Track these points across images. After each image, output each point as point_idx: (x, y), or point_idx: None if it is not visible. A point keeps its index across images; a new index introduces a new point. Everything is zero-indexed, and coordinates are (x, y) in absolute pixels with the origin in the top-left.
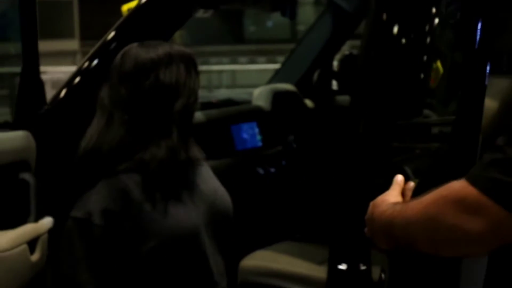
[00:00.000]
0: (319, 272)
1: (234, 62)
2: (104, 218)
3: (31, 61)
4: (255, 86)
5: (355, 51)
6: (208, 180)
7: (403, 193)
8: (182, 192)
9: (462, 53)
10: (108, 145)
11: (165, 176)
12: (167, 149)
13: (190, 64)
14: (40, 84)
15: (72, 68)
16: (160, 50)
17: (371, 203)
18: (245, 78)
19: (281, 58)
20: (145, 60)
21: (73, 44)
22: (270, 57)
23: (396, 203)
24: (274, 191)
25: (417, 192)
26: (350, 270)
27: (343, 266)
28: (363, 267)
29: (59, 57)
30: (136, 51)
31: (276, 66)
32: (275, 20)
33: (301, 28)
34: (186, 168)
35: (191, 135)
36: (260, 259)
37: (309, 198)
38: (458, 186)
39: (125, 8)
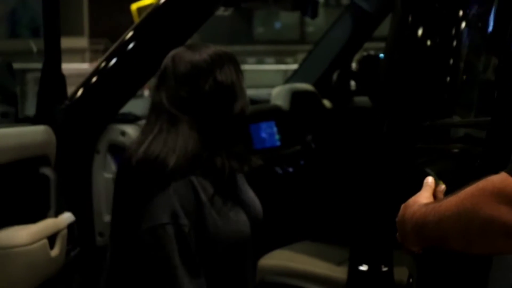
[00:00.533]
0: (338, 272)
1: (243, 62)
2: (187, 217)
3: (53, 56)
4: (266, 86)
5: (373, 52)
6: (246, 187)
7: (434, 196)
8: (237, 199)
9: (492, 56)
10: (181, 148)
11: (231, 183)
12: (237, 156)
13: (236, 64)
14: (62, 79)
15: (82, 66)
16: (210, 51)
17: (403, 206)
18: (254, 78)
19: (290, 59)
20: (201, 61)
21: (82, 42)
22: (278, 58)
23: (428, 203)
24: (292, 190)
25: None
26: (371, 271)
27: (364, 267)
28: (384, 269)
29: (68, 54)
30: (187, 53)
31: (285, 67)
32: (284, 21)
33: (310, 29)
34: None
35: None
36: (279, 259)
37: (327, 198)
38: (498, 178)
39: (134, 7)
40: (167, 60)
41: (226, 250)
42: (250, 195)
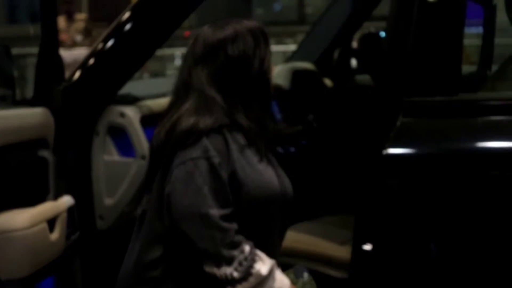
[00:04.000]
0: (341, 252)
1: None
2: (217, 154)
3: (50, 39)
4: None
5: (373, 30)
6: (276, 163)
7: None
8: (267, 161)
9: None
10: (218, 118)
11: (260, 144)
12: (257, 121)
13: (257, 35)
14: (59, 61)
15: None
16: (226, 28)
17: None
18: None
19: (289, 40)
20: (213, 41)
21: None
22: (278, 39)
23: None
24: (294, 171)
25: None
26: (375, 251)
27: (367, 247)
28: (387, 247)
29: None
30: (204, 33)
31: (284, 48)
32: (283, 3)
33: (309, 10)
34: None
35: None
36: None
37: (329, 177)
38: None
39: None
40: (190, 40)
41: (254, 200)
42: (281, 171)
